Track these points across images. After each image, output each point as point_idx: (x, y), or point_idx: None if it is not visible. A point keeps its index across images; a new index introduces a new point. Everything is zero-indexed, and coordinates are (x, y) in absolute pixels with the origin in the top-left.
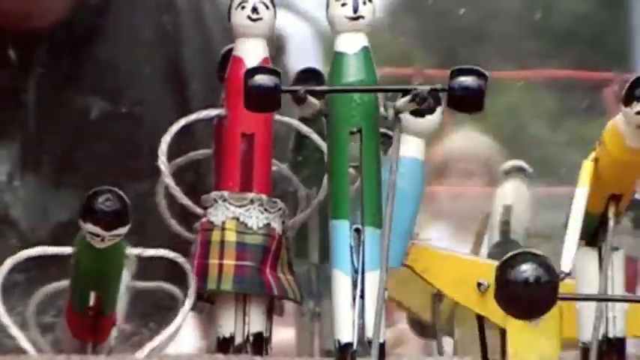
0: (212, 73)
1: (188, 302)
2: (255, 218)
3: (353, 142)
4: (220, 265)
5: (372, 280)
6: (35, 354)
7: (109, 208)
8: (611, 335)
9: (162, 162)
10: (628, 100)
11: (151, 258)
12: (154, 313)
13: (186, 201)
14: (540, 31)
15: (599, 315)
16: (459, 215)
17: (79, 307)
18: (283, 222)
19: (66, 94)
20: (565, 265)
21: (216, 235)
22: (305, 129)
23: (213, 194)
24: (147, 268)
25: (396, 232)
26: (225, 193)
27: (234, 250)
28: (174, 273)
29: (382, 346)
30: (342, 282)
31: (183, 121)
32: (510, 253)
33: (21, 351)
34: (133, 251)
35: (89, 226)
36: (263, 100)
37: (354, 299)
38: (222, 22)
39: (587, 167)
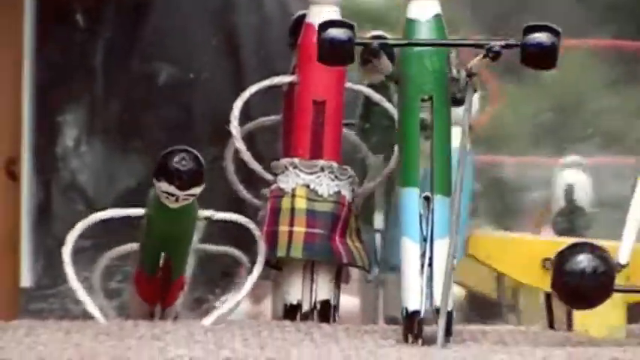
0: (268, 43)
1: (257, 269)
2: (326, 185)
3: (424, 109)
4: (290, 232)
5: (441, 248)
6: (102, 320)
7: (184, 168)
8: None
9: (234, 126)
10: None
11: (218, 223)
12: (220, 280)
13: (256, 166)
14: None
15: None
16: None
17: (149, 269)
18: (353, 190)
19: (133, 60)
20: (623, 257)
21: (286, 202)
22: (376, 96)
23: (284, 161)
24: (211, 235)
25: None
26: (296, 160)
27: (305, 217)
28: (238, 240)
29: (450, 314)
30: (410, 250)
31: (255, 87)
32: (569, 244)
33: (87, 317)
34: (203, 213)
35: (164, 185)
36: (336, 52)
37: (422, 267)
38: None
39: None
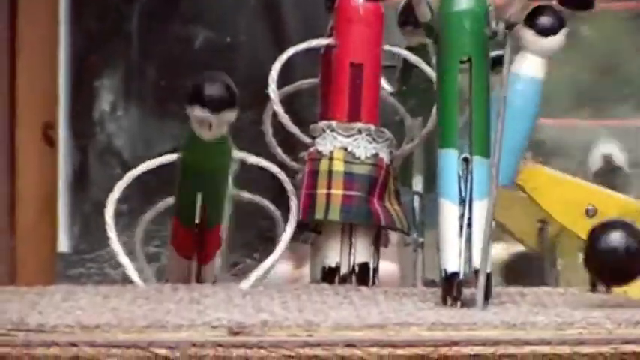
0: (306, 5)
1: (289, 226)
2: (364, 148)
3: (462, 71)
4: (328, 195)
5: (480, 209)
6: (141, 284)
7: (216, 91)
8: None
9: (273, 89)
10: None
11: (255, 183)
12: (259, 244)
13: (295, 129)
14: None
15: None
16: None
17: (186, 217)
18: (391, 152)
19: (170, 24)
20: None
21: (324, 165)
22: (414, 58)
23: (322, 124)
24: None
25: (508, 149)
26: (334, 123)
27: (342, 179)
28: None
29: (488, 276)
30: (449, 211)
31: (292, 50)
32: (601, 221)
33: (126, 281)
34: (237, 154)
35: (197, 111)
36: None
37: (461, 228)
38: None
39: None
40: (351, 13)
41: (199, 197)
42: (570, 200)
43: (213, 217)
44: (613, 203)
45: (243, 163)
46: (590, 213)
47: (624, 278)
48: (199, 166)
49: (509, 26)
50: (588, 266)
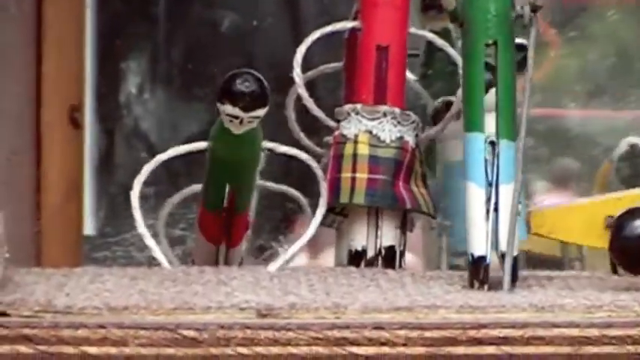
0: None
1: (319, 211)
2: (388, 131)
3: (489, 54)
4: (353, 179)
5: (507, 193)
6: (167, 266)
7: (247, 89)
8: None
9: (297, 73)
10: None
11: (282, 169)
12: (285, 227)
13: (319, 113)
14: None
15: None
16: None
17: (214, 204)
18: (417, 135)
19: (196, 7)
20: None
21: (348, 149)
22: (440, 41)
23: (347, 107)
24: (277, 180)
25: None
26: (359, 106)
27: (367, 163)
28: (301, 188)
29: (515, 259)
30: (476, 195)
31: (318, 33)
32: (627, 209)
33: (152, 264)
34: (266, 144)
35: (228, 108)
36: None
37: (487, 212)
38: None
39: None
40: None
41: (227, 187)
42: (587, 222)
43: (240, 205)
44: (630, 200)
45: (271, 152)
46: (610, 224)
47: None
48: (228, 156)
49: (535, 8)
50: (613, 253)
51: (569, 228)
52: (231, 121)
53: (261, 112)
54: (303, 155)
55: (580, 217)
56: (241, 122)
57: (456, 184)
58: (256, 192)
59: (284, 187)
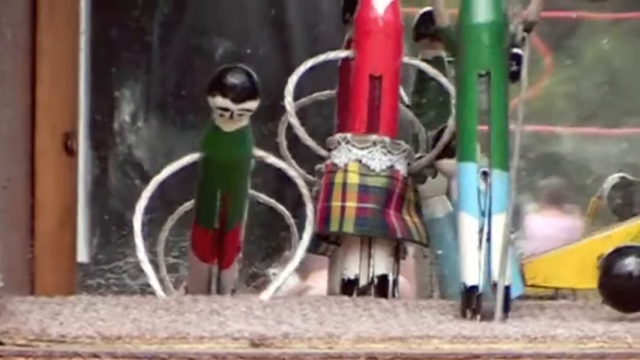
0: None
1: (306, 235)
2: (378, 160)
3: (481, 85)
4: (343, 207)
5: (499, 223)
6: (162, 295)
7: (238, 81)
8: None
9: (289, 102)
10: None
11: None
12: (276, 255)
13: (310, 142)
14: None
15: None
16: None
17: (206, 217)
18: (409, 164)
19: (190, 35)
20: None
21: (339, 177)
22: (432, 71)
23: (337, 136)
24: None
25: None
26: (349, 135)
27: (357, 192)
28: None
29: (507, 289)
30: (469, 225)
31: (310, 62)
32: (616, 247)
33: (146, 292)
34: (257, 152)
35: (218, 100)
36: None
37: (480, 242)
38: None
39: None
40: (371, 25)
41: (219, 194)
42: (580, 265)
43: (232, 215)
44: (620, 237)
45: (261, 165)
46: (600, 262)
47: (637, 304)
48: (219, 158)
49: (528, 27)
50: (603, 292)
51: (563, 274)
52: (221, 115)
53: (251, 104)
54: (291, 171)
55: (572, 261)
56: (232, 116)
57: (442, 238)
58: (247, 206)
59: (272, 202)
